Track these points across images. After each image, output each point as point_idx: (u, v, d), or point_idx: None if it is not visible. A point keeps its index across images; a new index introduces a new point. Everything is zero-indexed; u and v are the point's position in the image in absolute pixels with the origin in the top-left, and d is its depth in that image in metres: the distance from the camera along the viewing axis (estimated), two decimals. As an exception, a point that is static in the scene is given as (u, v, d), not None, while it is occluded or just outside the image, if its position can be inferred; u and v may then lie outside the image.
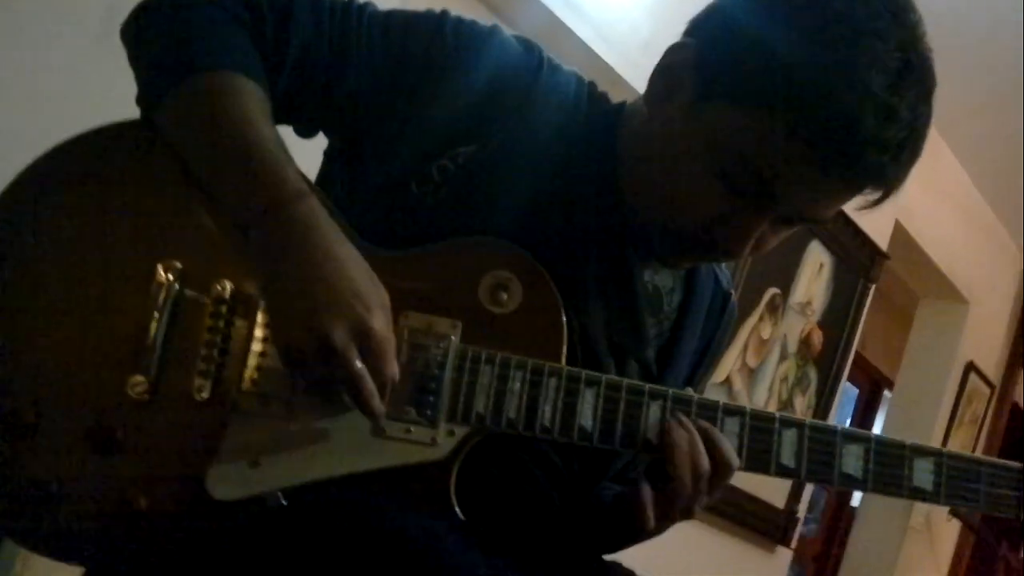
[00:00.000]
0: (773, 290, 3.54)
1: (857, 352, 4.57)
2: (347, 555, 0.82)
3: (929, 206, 4.29)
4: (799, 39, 0.85)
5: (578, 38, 2.56)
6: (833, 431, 0.92)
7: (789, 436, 0.91)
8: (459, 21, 0.98)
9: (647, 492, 0.91)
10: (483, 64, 0.96)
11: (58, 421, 0.88)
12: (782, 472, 0.90)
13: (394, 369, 0.87)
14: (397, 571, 0.80)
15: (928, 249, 4.37)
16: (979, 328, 4.77)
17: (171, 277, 0.89)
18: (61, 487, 0.88)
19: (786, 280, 3.59)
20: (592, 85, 1.04)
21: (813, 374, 3.82)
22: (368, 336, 0.84)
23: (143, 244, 0.91)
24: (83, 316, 0.90)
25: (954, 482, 0.92)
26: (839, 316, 3.89)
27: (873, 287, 4.05)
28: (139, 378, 0.89)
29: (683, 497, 0.90)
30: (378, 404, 0.86)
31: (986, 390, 4.84)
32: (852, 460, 0.91)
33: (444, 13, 0.99)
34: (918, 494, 0.91)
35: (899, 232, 4.17)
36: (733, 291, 1.15)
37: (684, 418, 0.91)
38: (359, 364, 0.84)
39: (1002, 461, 0.92)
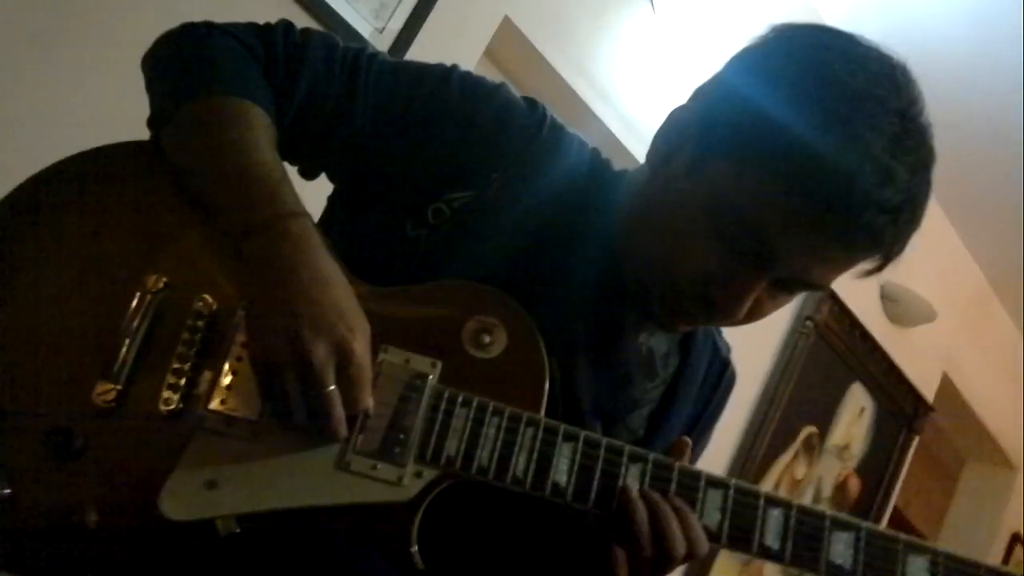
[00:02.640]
0: (810, 428, 3.43)
1: (897, 508, 4.38)
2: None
3: (979, 362, 4.18)
4: (799, 101, 0.85)
5: (631, 155, 2.69)
6: (822, 515, 0.86)
7: (775, 515, 0.85)
8: (467, 74, 1.00)
9: (620, 554, 0.86)
10: (485, 115, 0.97)
11: (20, 420, 0.86)
12: (764, 553, 0.84)
13: (368, 400, 0.85)
14: None
15: (976, 407, 4.22)
16: (1028, 498, 4.55)
17: (154, 288, 0.89)
18: (11, 491, 0.85)
19: (825, 420, 3.48)
20: (596, 150, 1.04)
21: (847, 523, 3.65)
22: (348, 358, 0.82)
23: (132, 256, 0.91)
24: (62, 320, 0.89)
25: (951, 584, 0.84)
26: (879, 465, 3.75)
27: (917, 439, 3.91)
28: (107, 385, 0.87)
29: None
30: (344, 430, 0.84)
31: (1034, 564, 4.58)
32: (841, 548, 0.84)
33: (454, 66, 1.01)
34: (911, 593, 0.83)
35: (947, 386, 4.05)
36: (731, 359, 1.11)
37: (654, 494, 0.86)
38: (333, 387, 0.82)
39: (1003, 567, 0.85)
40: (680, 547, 0.84)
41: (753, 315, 0.92)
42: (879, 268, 0.90)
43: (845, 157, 0.82)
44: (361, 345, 0.84)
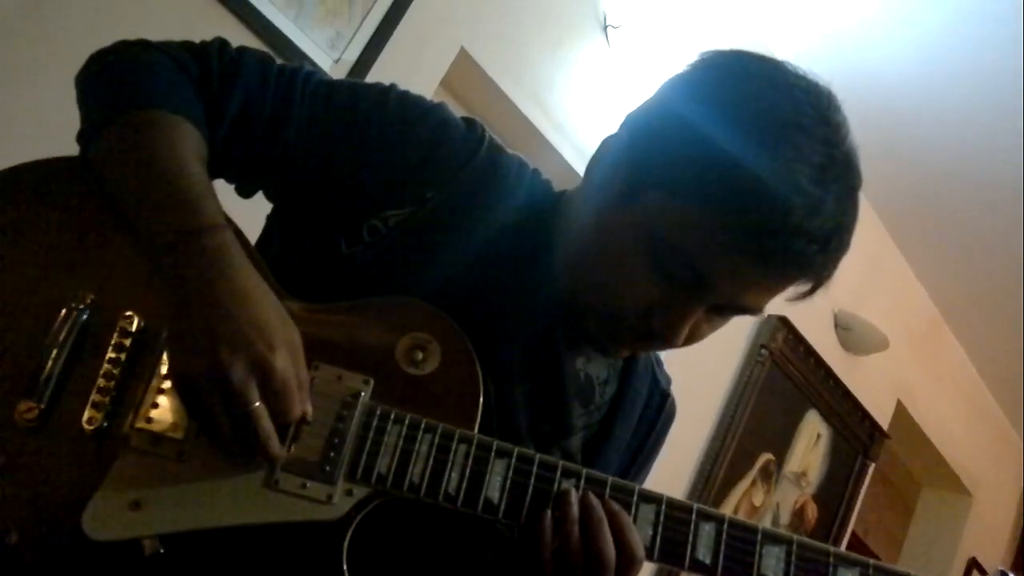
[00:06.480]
0: (767, 455, 3.44)
1: (856, 535, 4.40)
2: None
3: (932, 390, 4.23)
4: (727, 131, 0.85)
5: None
6: (754, 530, 0.86)
7: (707, 530, 0.85)
8: (405, 93, 1.00)
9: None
10: (422, 134, 0.97)
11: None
12: (696, 567, 0.84)
13: (298, 411, 0.83)
14: None
15: (930, 434, 4.27)
16: (983, 523, 4.60)
17: (79, 306, 0.87)
18: None
19: (781, 447, 3.50)
20: (536, 171, 1.04)
21: (805, 550, 3.65)
22: (269, 374, 0.80)
23: (58, 273, 0.89)
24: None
25: (880, 595, 0.85)
26: (836, 491, 3.77)
27: (872, 466, 3.94)
28: (30, 404, 0.85)
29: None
30: (275, 447, 0.82)
31: (991, 590, 4.61)
32: (772, 561, 0.84)
33: (392, 85, 1.01)
34: (841, 604, 0.83)
35: (901, 413, 4.10)
36: (671, 391, 1.11)
37: (591, 497, 0.85)
38: (257, 403, 0.80)
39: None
40: (609, 550, 0.83)
41: (690, 339, 0.92)
42: (811, 291, 0.91)
43: (774, 188, 0.82)
44: (282, 359, 0.81)
